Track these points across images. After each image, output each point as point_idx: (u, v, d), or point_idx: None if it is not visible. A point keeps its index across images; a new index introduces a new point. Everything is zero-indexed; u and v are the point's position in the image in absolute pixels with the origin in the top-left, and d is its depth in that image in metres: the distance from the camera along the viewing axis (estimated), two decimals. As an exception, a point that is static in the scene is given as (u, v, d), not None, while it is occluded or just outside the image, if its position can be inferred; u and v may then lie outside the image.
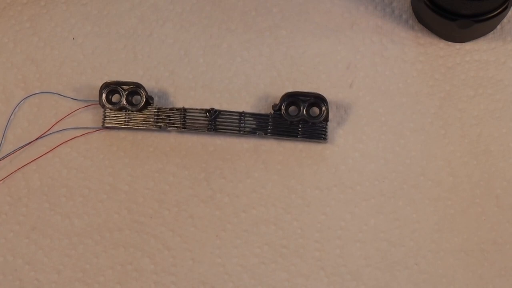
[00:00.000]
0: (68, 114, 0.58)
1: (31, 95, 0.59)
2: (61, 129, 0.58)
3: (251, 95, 0.59)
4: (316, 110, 0.57)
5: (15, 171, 0.58)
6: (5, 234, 0.57)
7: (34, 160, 0.58)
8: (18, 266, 0.57)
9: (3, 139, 0.59)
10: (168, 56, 0.60)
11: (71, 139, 0.58)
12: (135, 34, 0.60)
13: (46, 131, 0.58)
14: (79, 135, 0.58)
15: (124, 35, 0.60)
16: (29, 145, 0.58)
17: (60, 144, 0.58)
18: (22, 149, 0.58)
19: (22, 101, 0.59)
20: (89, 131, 0.58)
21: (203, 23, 0.60)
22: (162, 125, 0.57)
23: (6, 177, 0.58)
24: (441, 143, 0.57)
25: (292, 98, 0.56)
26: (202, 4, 0.61)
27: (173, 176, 0.58)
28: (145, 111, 0.57)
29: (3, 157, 0.58)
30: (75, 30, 0.60)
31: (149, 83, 0.59)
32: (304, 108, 0.56)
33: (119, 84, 0.57)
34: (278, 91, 0.58)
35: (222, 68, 0.59)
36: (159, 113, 0.57)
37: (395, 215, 0.56)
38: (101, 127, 0.58)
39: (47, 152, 0.58)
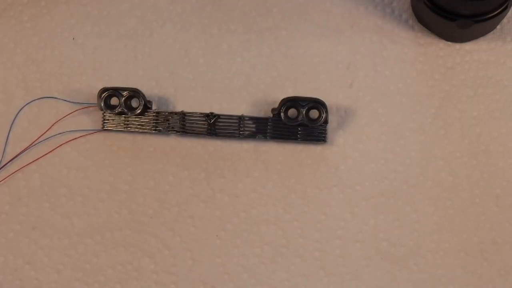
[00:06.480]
0: (68, 114, 0.58)
1: (32, 101, 0.59)
2: (61, 131, 0.58)
3: (251, 95, 0.59)
4: (315, 112, 0.57)
5: (16, 171, 0.58)
6: (5, 234, 0.57)
7: (35, 160, 0.58)
8: (18, 266, 0.57)
9: (7, 142, 0.59)
10: (168, 56, 0.60)
11: (72, 139, 0.58)
12: (135, 34, 0.60)
13: (46, 131, 0.58)
14: (79, 136, 0.58)
15: (124, 35, 0.60)
16: (29, 146, 0.58)
17: (61, 145, 0.58)
18: (24, 151, 0.58)
19: (24, 106, 0.59)
20: (89, 132, 0.58)
21: (203, 23, 0.60)
22: (162, 129, 0.57)
23: (7, 177, 0.58)
24: (441, 143, 0.57)
25: (291, 102, 0.56)
26: (202, 4, 0.61)
27: (173, 176, 0.58)
28: (144, 115, 0.57)
29: (7, 163, 0.58)
30: (76, 30, 0.60)
31: (149, 83, 0.59)
32: (303, 111, 0.56)
33: (117, 89, 0.57)
34: (278, 91, 0.58)
35: (222, 69, 0.59)
36: (158, 117, 0.57)
37: (395, 215, 0.57)
38: (100, 129, 0.58)
39: (48, 153, 0.58)
